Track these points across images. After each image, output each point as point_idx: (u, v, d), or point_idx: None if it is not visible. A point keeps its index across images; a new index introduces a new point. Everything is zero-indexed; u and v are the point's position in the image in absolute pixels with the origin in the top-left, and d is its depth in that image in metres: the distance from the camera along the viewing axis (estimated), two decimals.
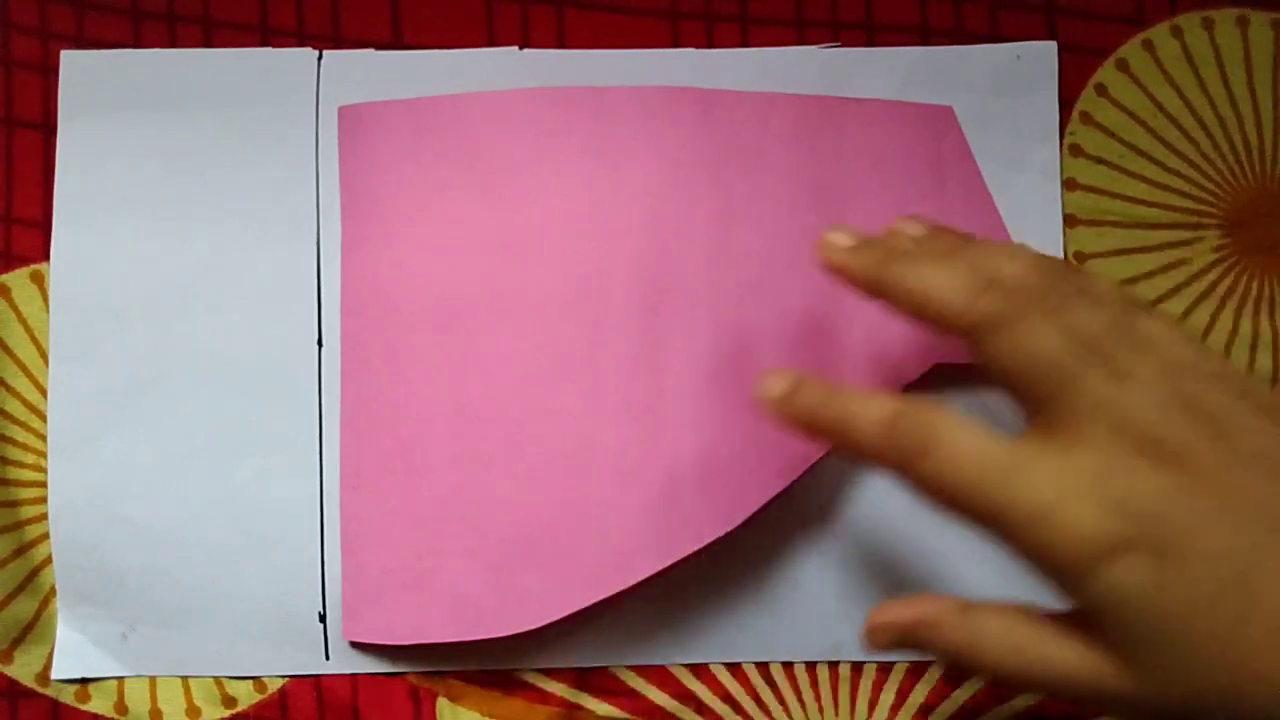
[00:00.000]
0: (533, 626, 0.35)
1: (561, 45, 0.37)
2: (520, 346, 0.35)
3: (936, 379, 0.36)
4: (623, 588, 0.34)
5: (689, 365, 0.35)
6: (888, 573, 0.37)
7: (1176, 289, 0.38)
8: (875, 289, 0.29)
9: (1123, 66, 0.38)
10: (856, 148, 0.37)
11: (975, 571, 0.36)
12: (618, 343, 0.35)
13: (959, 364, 0.36)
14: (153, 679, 0.36)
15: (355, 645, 0.36)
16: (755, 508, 0.35)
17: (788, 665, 0.37)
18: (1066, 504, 0.25)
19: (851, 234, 0.30)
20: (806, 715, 0.37)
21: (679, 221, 0.36)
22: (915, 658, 0.36)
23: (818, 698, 0.37)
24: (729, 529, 0.34)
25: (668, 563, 0.34)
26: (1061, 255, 0.37)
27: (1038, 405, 0.26)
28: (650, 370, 0.35)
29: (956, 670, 0.28)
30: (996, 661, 0.26)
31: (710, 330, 0.35)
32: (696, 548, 0.34)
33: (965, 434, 0.26)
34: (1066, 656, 0.25)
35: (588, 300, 0.35)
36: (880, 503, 0.37)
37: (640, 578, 0.34)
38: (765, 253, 0.36)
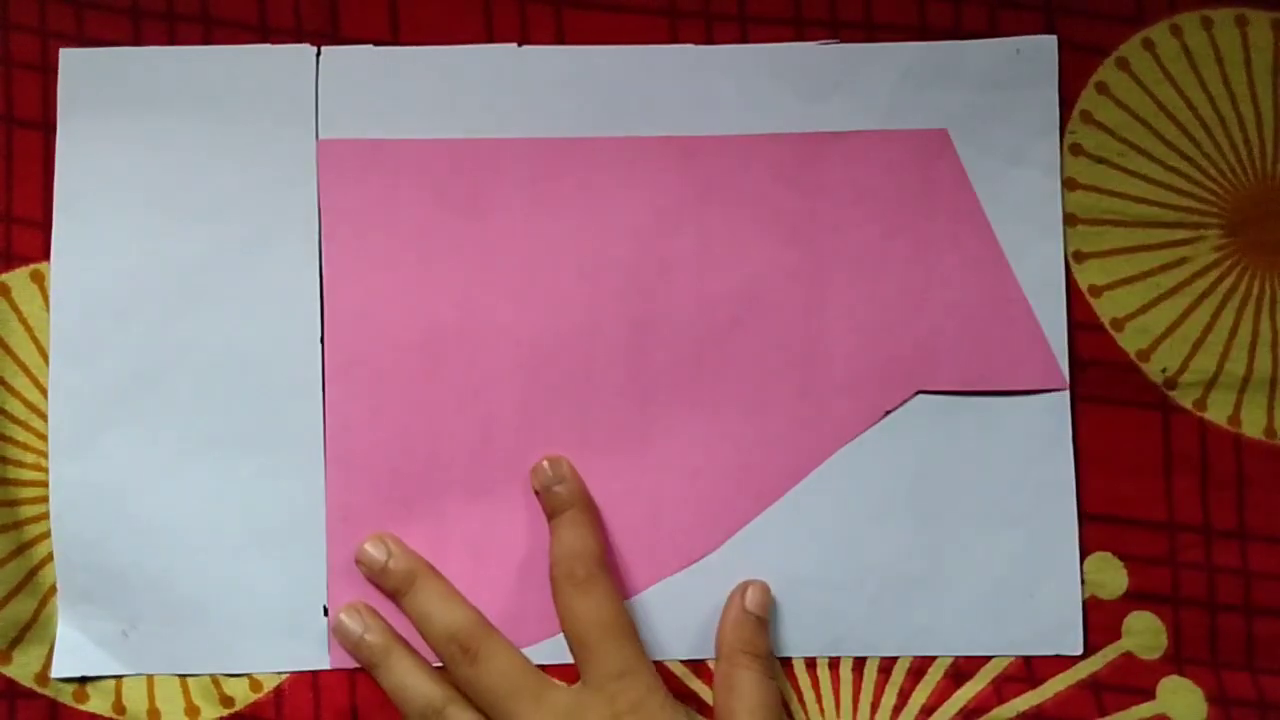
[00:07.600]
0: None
1: (560, 43, 0.38)
2: (510, 384, 0.37)
3: (917, 406, 0.37)
4: None
5: (674, 397, 0.37)
6: (885, 568, 0.37)
7: (1177, 288, 0.38)
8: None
9: (1123, 65, 0.38)
10: (840, 181, 0.37)
11: (970, 568, 0.37)
12: (606, 378, 0.37)
13: (940, 392, 0.37)
14: (150, 679, 0.36)
15: None
16: (739, 529, 0.37)
17: (787, 665, 0.37)
18: None
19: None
20: (807, 715, 0.37)
21: (662, 262, 0.37)
22: (919, 654, 0.36)
23: (819, 698, 0.37)
24: (713, 549, 0.36)
25: (654, 583, 0.36)
26: (1061, 253, 0.38)
27: None
28: (637, 404, 0.37)
29: None
30: None
31: (694, 365, 0.37)
32: (684, 567, 0.36)
33: None
34: None
35: (577, 339, 0.37)
36: (876, 497, 0.37)
37: (627, 598, 0.36)
38: (746, 289, 0.37)
